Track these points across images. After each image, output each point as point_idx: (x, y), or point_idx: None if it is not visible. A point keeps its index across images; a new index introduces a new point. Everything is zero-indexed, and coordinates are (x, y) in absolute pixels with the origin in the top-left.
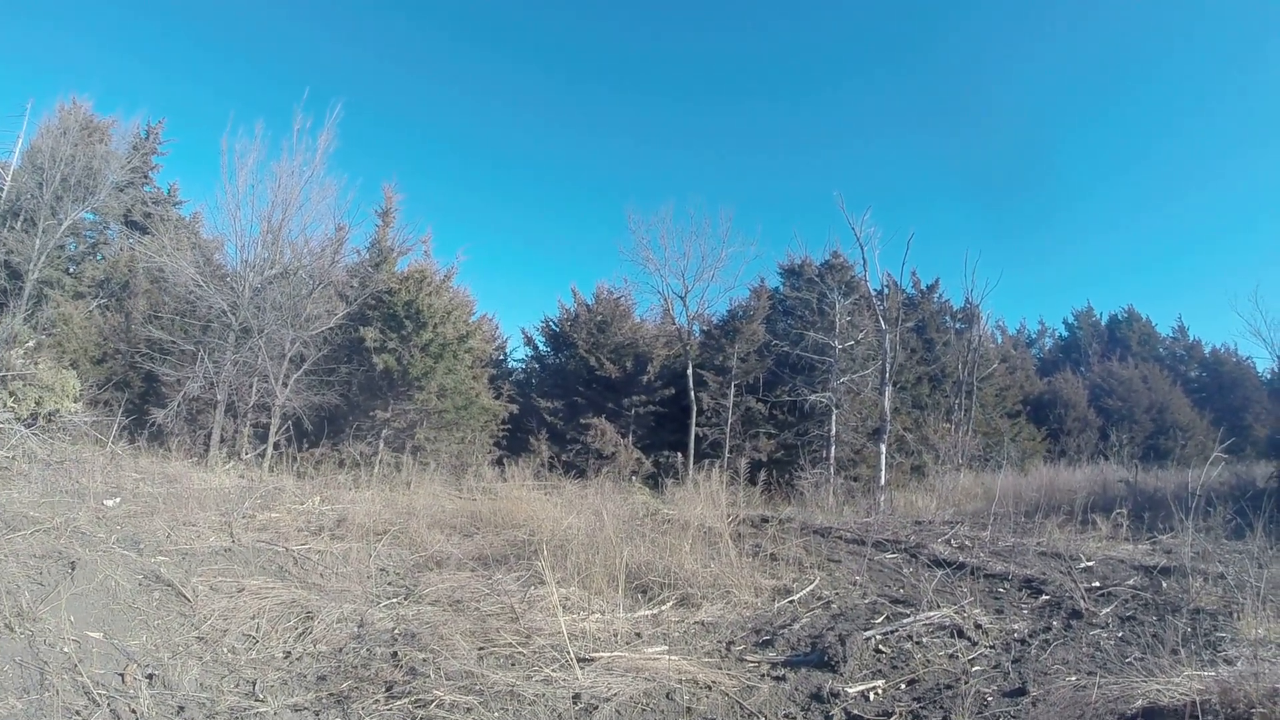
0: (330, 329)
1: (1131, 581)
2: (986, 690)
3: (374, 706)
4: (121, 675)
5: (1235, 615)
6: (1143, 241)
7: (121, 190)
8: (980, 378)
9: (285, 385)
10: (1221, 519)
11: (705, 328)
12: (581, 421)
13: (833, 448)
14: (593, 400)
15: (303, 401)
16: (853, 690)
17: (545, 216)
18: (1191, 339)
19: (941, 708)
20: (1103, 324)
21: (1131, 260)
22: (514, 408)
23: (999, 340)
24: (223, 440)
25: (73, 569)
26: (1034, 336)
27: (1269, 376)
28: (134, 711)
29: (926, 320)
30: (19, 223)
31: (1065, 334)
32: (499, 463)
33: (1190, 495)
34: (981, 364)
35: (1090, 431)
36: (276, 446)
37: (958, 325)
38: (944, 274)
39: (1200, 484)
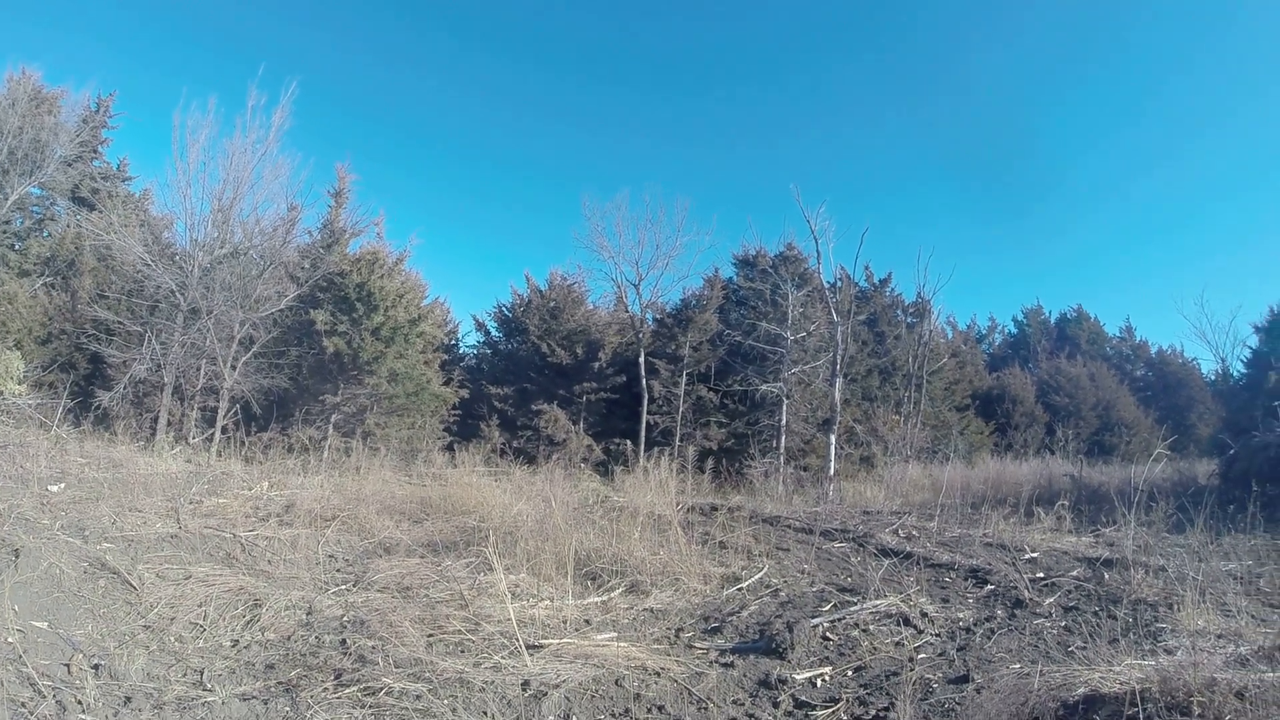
0: (280, 311)
1: (1074, 573)
2: (932, 677)
3: (322, 695)
4: (67, 665)
5: (1175, 607)
6: (1093, 237)
7: (70, 165)
8: (930, 371)
9: (234, 368)
10: (1163, 514)
11: (658, 316)
12: (532, 408)
13: (783, 437)
14: (544, 387)
15: (251, 385)
16: (800, 677)
17: (500, 203)
18: (1138, 339)
19: (887, 694)
20: (1052, 322)
21: (1081, 257)
22: (465, 393)
23: (949, 335)
24: (169, 424)
25: (16, 556)
26: (984, 332)
27: (1213, 378)
28: (80, 702)
29: (878, 313)
30: None
31: (1015, 331)
32: (449, 449)
33: (1133, 490)
34: (931, 358)
35: (1037, 426)
36: (224, 431)
37: (909, 319)
38: (897, 268)
39: (1143, 479)
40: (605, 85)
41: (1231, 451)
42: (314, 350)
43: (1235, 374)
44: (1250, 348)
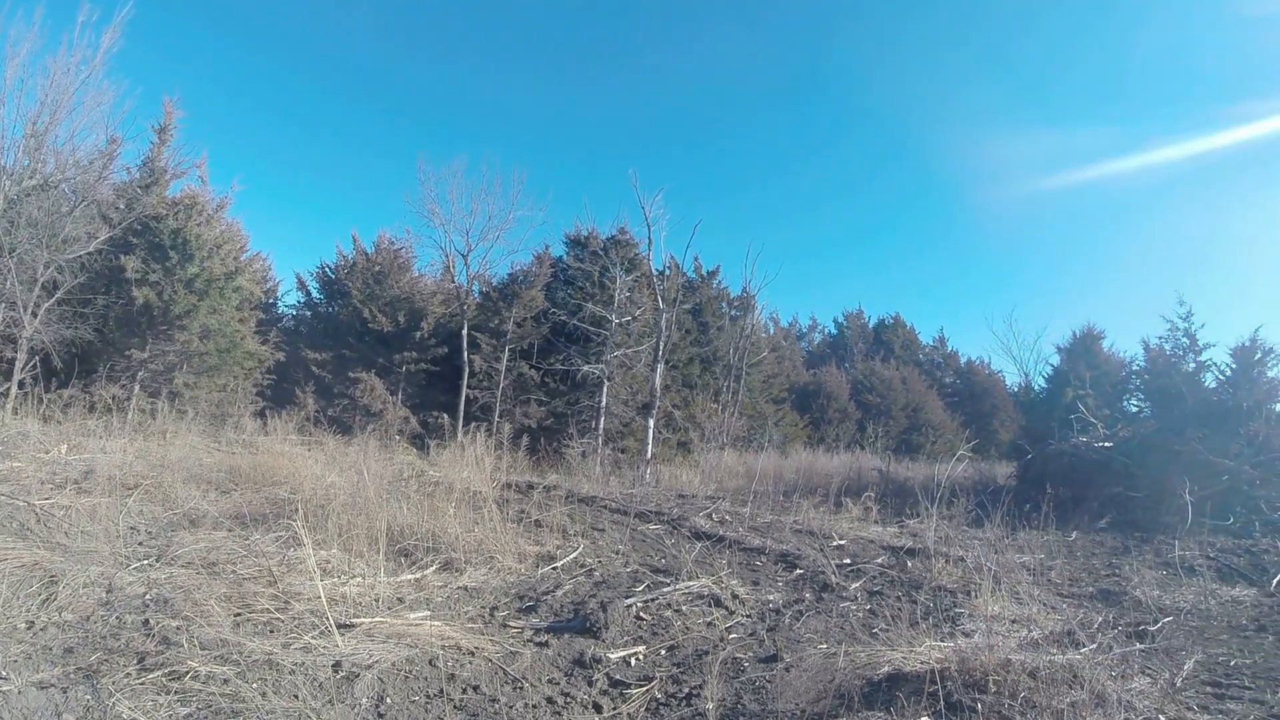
0: (89, 254)
1: (879, 560)
2: (742, 656)
3: (125, 681)
4: None
5: (973, 594)
6: (909, 244)
7: None
8: (750, 364)
9: (35, 315)
10: (964, 509)
11: (485, 289)
12: (350, 375)
13: (602, 419)
14: (363, 354)
15: (53, 335)
16: (614, 656)
17: (333, 160)
18: (950, 349)
19: (699, 673)
20: (870, 326)
21: (898, 266)
22: (281, 356)
23: (771, 331)
24: None
25: None
26: (805, 330)
27: (1016, 390)
28: None
29: (704, 304)
30: None
31: (834, 332)
32: (262, 415)
33: (937, 486)
34: (752, 351)
35: (849, 422)
36: (21, 385)
37: (733, 312)
38: (726, 263)
39: (947, 477)
40: (457, 52)
41: (1029, 456)
42: (122, 300)
43: (1037, 388)
44: (1052, 366)
